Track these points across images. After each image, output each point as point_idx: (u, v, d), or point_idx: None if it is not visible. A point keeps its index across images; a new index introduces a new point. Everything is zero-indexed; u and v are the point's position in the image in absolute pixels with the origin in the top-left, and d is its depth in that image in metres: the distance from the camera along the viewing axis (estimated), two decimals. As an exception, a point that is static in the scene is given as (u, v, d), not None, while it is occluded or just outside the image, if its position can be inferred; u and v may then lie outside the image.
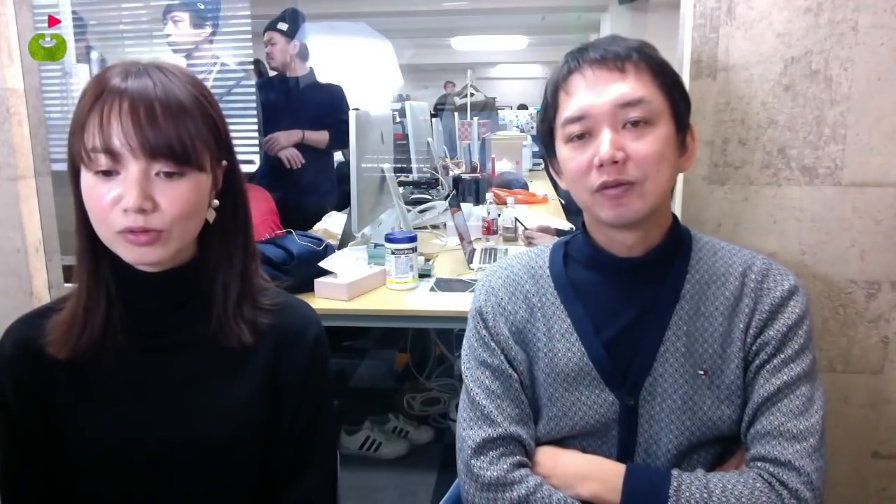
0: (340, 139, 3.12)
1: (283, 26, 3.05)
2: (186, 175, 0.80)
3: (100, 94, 0.78)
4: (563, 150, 0.91)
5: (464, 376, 0.98)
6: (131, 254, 0.81)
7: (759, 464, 0.85)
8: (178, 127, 0.78)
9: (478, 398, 0.94)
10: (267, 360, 0.90)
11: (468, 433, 0.93)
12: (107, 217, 0.79)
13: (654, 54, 0.90)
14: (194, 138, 0.80)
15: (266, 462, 0.91)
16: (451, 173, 3.49)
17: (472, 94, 5.66)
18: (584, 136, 0.88)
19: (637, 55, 0.88)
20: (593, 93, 0.87)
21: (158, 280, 0.85)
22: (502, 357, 0.95)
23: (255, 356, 0.89)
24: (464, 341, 1.01)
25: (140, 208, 0.77)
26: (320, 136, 3.08)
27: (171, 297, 0.88)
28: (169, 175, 0.79)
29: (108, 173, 0.78)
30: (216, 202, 0.88)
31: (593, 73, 0.88)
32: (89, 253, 0.85)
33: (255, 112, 2.35)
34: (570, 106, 0.89)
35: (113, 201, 0.78)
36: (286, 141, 2.98)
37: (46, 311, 0.89)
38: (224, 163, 0.87)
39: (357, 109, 2.20)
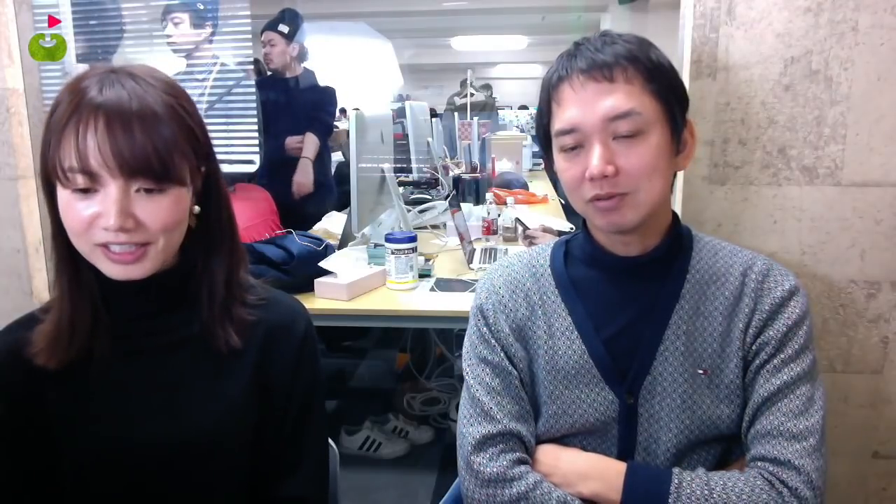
0: (320, 132, 3.16)
1: (284, 28, 3.06)
2: (166, 191, 0.79)
3: (74, 109, 0.76)
4: (557, 159, 0.91)
5: (464, 373, 0.99)
6: (113, 269, 0.80)
7: (759, 463, 0.85)
8: (156, 142, 0.76)
9: (478, 395, 0.94)
10: (255, 357, 0.90)
11: (468, 429, 0.93)
12: (85, 232, 0.78)
13: (644, 56, 0.87)
14: (172, 152, 0.78)
15: (257, 459, 0.90)
16: (451, 173, 3.48)
17: (472, 94, 5.66)
18: (575, 148, 0.88)
19: (626, 61, 0.86)
20: (582, 106, 0.86)
21: (142, 286, 0.84)
22: (502, 354, 0.96)
23: (243, 354, 0.89)
24: (465, 339, 1.01)
25: (121, 228, 0.76)
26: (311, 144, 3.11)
27: (155, 302, 0.87)
28: (149, 191, 0.78)
29: (86, 191, 0.77)
30: (197, 208, 0.87)
31: (581, 84, 0.86)
32: (69, 262, 0.83)
33: (255, 112, 2.35)
34: (560, 118, 0.88)
35: (91, 218, 0.77)
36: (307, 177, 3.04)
37: (30, 320, 0.88)
38: (202, 169, 0.86)
39: (357, 109, 2.21)
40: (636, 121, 0.85)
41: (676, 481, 0.84)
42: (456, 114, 4.98)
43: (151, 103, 0.77)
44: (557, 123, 0.89)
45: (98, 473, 0.86)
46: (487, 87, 6.06)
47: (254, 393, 0.89)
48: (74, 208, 0.77)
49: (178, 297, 0.88)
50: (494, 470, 0.89)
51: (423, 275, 1.99)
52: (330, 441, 1.10)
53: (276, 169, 3.01)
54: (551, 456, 0.93)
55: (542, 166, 5.04)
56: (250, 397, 0.89)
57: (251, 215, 2.48)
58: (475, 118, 4.18)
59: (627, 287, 0.94)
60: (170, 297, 0.88)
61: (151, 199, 0.78)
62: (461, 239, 2.19)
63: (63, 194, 0.78)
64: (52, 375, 0.85)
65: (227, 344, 0.87)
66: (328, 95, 3.24)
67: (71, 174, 0.76)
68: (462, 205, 2.45)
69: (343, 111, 5.48)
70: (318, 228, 2.66)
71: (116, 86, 0.77)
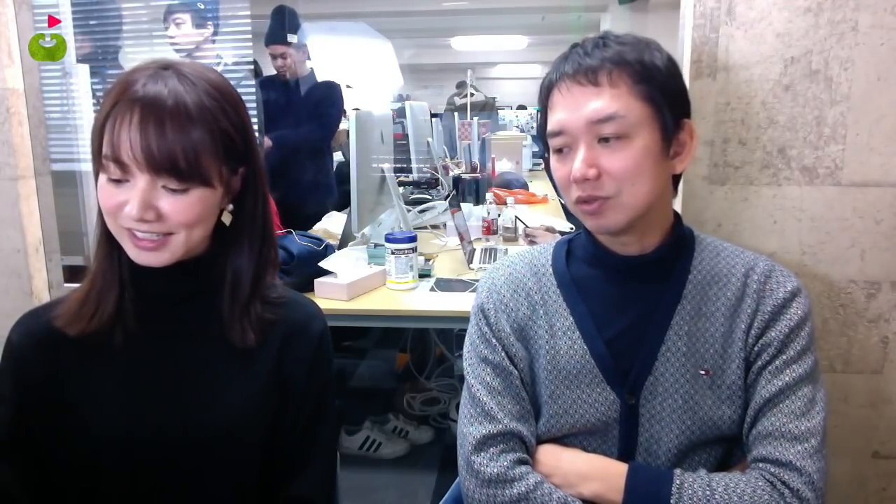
0: (322, 131, 3.13)
1: (293, 39, 3.06)
2: (190, 190, 0.81)
3: (116, 100, 0.79)
4: (551, 160, 0.93)
5: (465, 373, 0.99)
6: (135, 253, 0.83)
7: (761, 464, 0.85)
8: (184, 143, 0.79)
9: (479, 394, 0.94)
10: (274, 354, 0.91)
11: (469, 429, 0.94)
12: (115, 214, 0.81)
13: (635, 58, 0.87)
14: (200, 155, 0.80)
15: (267, 457, 0.91)
16: (451, 173, 3.49)
17: (472, 94, 5.67)
18: (564, 150, 0.89)
19: (612, 64, 0.86)
20: (568, 110, 0.88)
21: (168, 271, 0.86)
22: (503, 354, 0.96)
23: (262, 350, 0.90)
24: (466, 338, 1.01)
25: (141, 219, 0.79)
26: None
27: (178, 288, 0.89)
28: (174, 189, 0.81)
29: (118, 181, 0.80)
30: (230, 206, 0.89)
31: (568, 87, 0.88)
32: (108, 238, 0.86)
33: (254, 112, 2.35)
34: (550, 120, 0.90)
35: (120, 204, 0.80)
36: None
37: (56, 303, 0.91)
38: (241, 169, 0.88)
39: (357, 109, 2.21)
40: (620, 123, 0.85)
41: (678, 482, 0.84)
42: (456, 114, 4.99)
43: (188, 103, 0.79)
44: (548, 126, 0.91)
45: (107, 458, 0.87)
46: (462, 84, 6.02)
47: (270, 391, 0.90)
48: (107, 192, 0.81)
49: (201, 287, 0.90)
50: (495, 470, 0.89)
51: (423, 275, 1.99)
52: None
53: (276, 169, 3.01)
54: (552, 456, 0.93)
55: (542, 166, 5.04)
56: (268, 394, 0.90)
57: (251, 215, 2.47)
58: (475, 118, 4.19)
59: (629, 287, 0.94)
60: (193, 285, 0.90)
61: (175, 196, 0.81)
62: (461, 239, 2.19)
63: (102, 177, 0.82)
64: (72, 353, 0.87)
65: (242, 341, 0.89)
66: (332, 92, 3.24)
67: (106, 161, 0.79)
68: (462, 205, 2.45)
69: (343, 111, 5.47)
70: (318, 228, 2.66)
71: (160, 83, 0.80)
